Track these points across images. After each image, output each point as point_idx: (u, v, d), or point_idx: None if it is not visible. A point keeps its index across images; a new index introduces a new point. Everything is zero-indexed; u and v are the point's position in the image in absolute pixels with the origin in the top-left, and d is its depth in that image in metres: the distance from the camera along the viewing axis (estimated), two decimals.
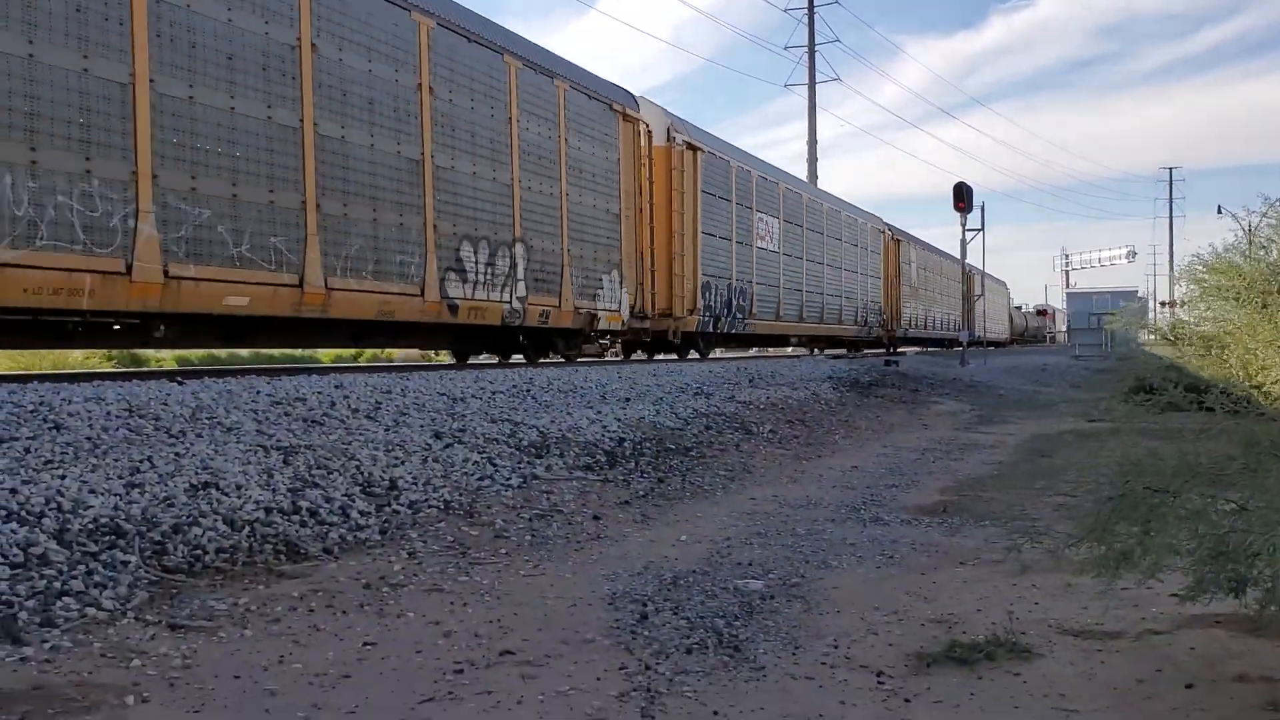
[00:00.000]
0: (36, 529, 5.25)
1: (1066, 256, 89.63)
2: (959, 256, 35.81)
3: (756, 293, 25.75)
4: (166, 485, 6.22)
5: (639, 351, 24.55)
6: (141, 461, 6.46)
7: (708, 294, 23.62)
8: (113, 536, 5.46)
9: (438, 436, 9.10)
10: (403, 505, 7.11)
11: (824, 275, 30.93)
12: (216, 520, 5.93)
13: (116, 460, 6.39)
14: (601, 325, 19.48)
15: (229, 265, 10.83)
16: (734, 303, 24.65)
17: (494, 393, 12.10)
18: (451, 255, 14.83)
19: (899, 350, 36.03)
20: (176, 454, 6.76)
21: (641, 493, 8.62)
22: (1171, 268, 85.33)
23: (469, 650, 4.32)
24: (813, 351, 33.09)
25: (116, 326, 10.20)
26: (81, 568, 5.00)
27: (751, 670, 4.11)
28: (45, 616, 4.44)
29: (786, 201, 28.35)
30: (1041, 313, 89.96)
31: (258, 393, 9.15)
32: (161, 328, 10.61)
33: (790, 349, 31.95)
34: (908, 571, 6.06)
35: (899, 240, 36.97)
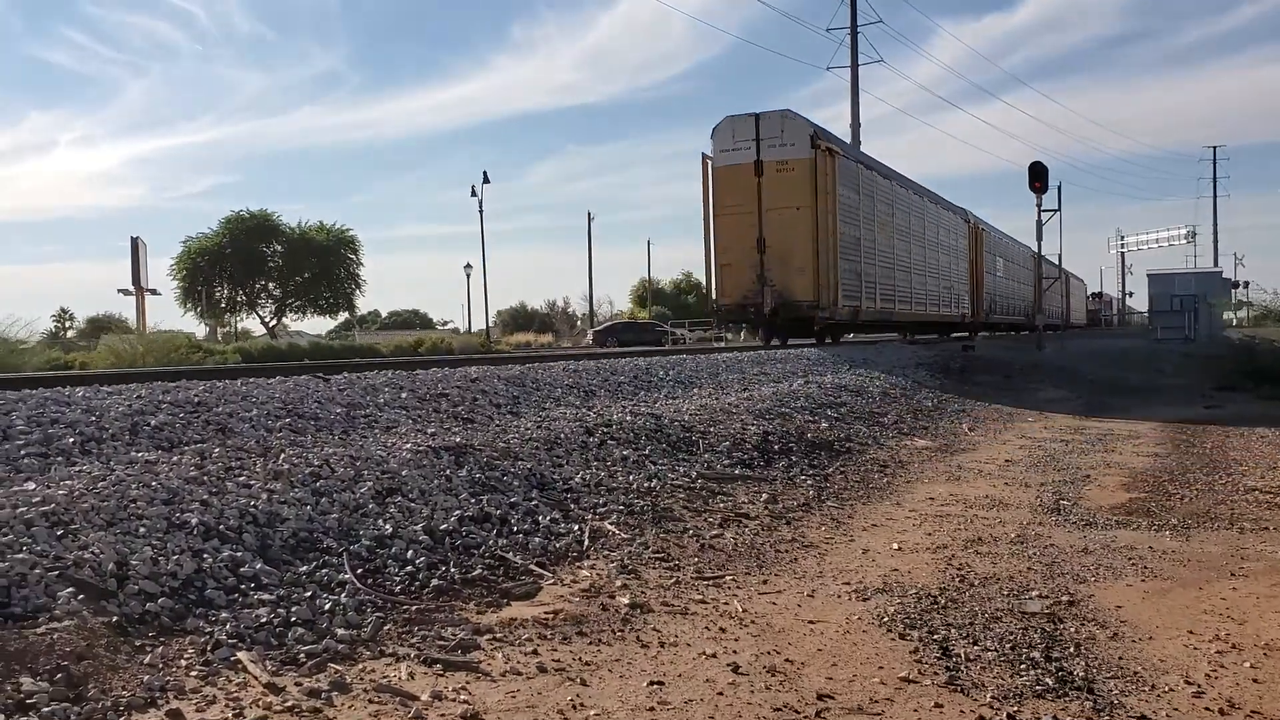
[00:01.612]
0: (239, 546, 4.74)
1: (1122, 238, 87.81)
2: (1032, 240, 34.80)
3: (880, 284, 25.89)
4: (353, 492, 5.70)
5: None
6: (320, 466, 5.93)
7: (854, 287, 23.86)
8: (317, 553, 4.94)
9: (589, 432, 8.55)
10: (584, 509, 6.57)
11: (928, 267, 30.60)
12: (416, 531, 5.40)
13: (293, 466, 5.86)
14: None
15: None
16: (867, 294, 24.79)
17: (619, 383, 11.54)
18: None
19: (974, 335, 35.47)
20: (351, 457, 6.23)
21: (813, 493, 8.03)
22: (1215, 248, 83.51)
23: (779, 692, 3.74)
24: (905, 336, 32.59)
25: None
26: (299, 591, 4.47)
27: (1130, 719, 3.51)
28: (286, 653, 3.90)
29: (898, 199, 27.94)
30: (1097, 296, 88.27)
31: (401, 390, 8.62)
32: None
33: (874, 336, 31.87)
34: (1180, 585, 5.43)
35: (980, 230, 37.04)
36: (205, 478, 5.34)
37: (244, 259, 57.31)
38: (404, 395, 8.49)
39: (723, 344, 45.40)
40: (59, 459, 5.41)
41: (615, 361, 13.04)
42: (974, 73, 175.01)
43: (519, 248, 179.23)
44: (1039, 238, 36.06)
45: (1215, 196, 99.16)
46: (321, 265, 58.47)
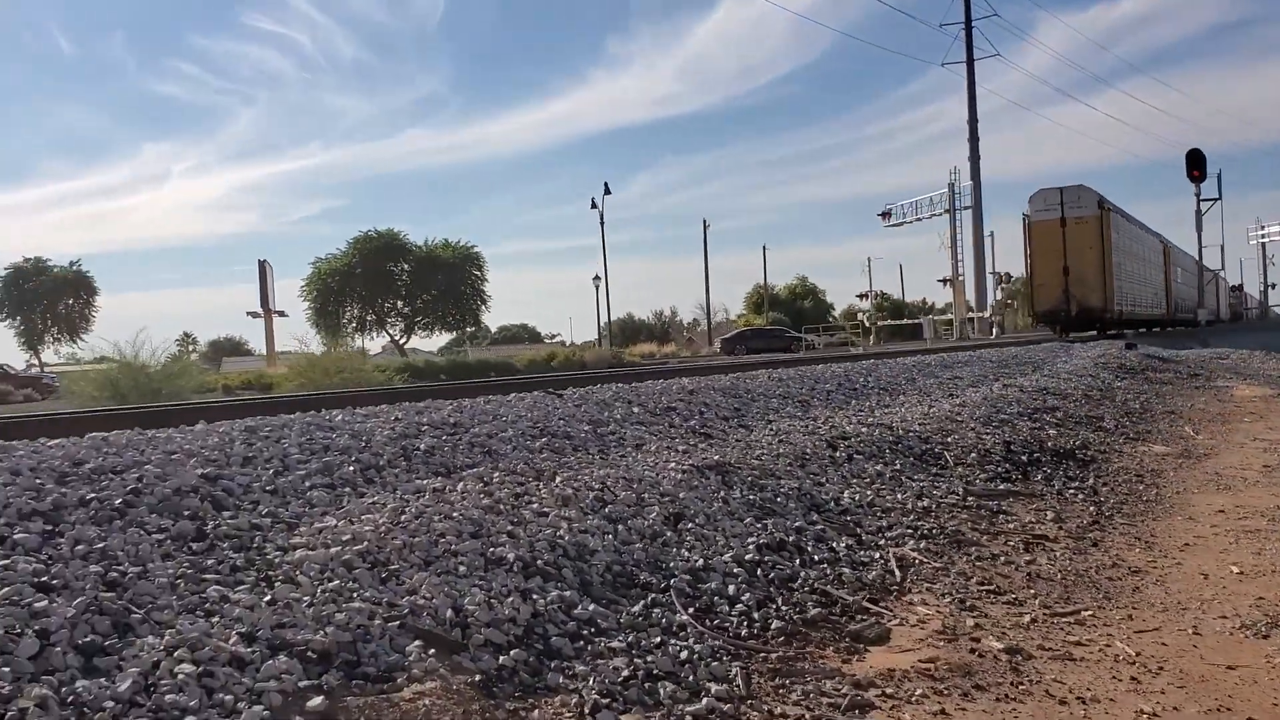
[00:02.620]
0: (563, 584, 4.25)
1: (1263, 227, 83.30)
2: (1184, 233, 33.21)
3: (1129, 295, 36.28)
4: (643, 518, 5.20)
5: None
6: (601, 490, 5.44)
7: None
8: (637, 589, 4.43)
9: (831, 446, 7.95)
10: (872, 534, 5.96)
11: (1147, 280, 40.19)
12: (726, 562, 4.87)
13: (575, 491, 5.39)
14: None
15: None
16: (1127, 301, 35.72)
17: (827, 390, 10.90)
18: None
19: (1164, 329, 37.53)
20: (624, 479, 5.74)
21: (1093, 509, 7.28)
22: None
23: None
24: (1061, 335, 31.88)
25: None
26: (643, 636, 3.96)
27: None
28: (668, 714, 3.39)
29: (1134, 234, 37.99)
30: (1237, 289, 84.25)
31: (631, 404, 8.15)
32: None
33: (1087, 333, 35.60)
34: None
35: (1168, 249, 44.37)
36: (500, 506, 4.89)
37: (373, 278, 58.15)
38: (635, 410, 8.01)
39: (858, 349, 44.35)
40: (345, 489, 5.01)
41: (814, 369, 12.43)
42: (1084, 63, 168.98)
43: (619, 260, 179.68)
44: (1199, 228, 34.32)
45: None
46: (448, 282, 58.98)
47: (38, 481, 4.30)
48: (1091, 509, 7.29)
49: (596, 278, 56.01)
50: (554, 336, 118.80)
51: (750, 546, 5.18)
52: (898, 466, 7.81)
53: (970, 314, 52.97)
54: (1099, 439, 10.89)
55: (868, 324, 57.55)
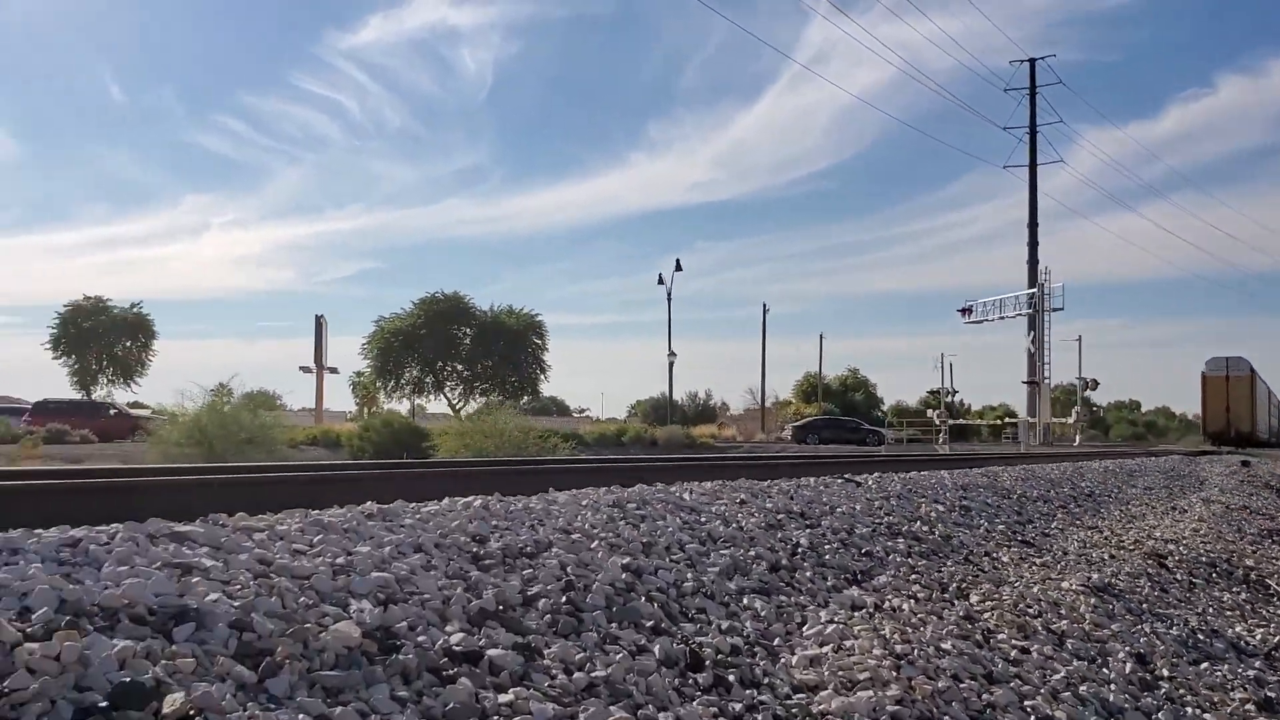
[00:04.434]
0: None
1: None
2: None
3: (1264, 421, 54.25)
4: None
5: None
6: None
7: None
8: None
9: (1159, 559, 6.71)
10: None
11: (1271, 410, 57.58)
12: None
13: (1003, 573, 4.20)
14: None
15: None
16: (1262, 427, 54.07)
17: (1072, 497, 9.67)
18: None
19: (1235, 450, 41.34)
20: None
21: None
22: None
23: None
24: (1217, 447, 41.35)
25: None
26: None
27: None
28: None
29: (1260, 386, 54.60)
30: None
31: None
32: None
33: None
34: None
35: (1270, 390, 57.23)
36: (974, 635, 3.70)
37: (437, 340, 57.46)
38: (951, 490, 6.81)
39: (943, 449, 42.87)
40: (779, 597, 3.84)
41: (1012, 471, 11.19)
42: (1130, 174, 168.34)
43: (647, 339, 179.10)
44: None
45: None
46: (509, 349, 58.20)
47: (452, 563, 3.18)
48: None
49: (672, 353, 54.70)
50: (583, 411, 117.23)
51: None
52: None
53: (1042, 419, 51.57)
54: None
55: (938, 422, 55.92)
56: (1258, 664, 4.91)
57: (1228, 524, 10.99)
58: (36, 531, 2.76)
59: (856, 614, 3.89)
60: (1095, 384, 55.56)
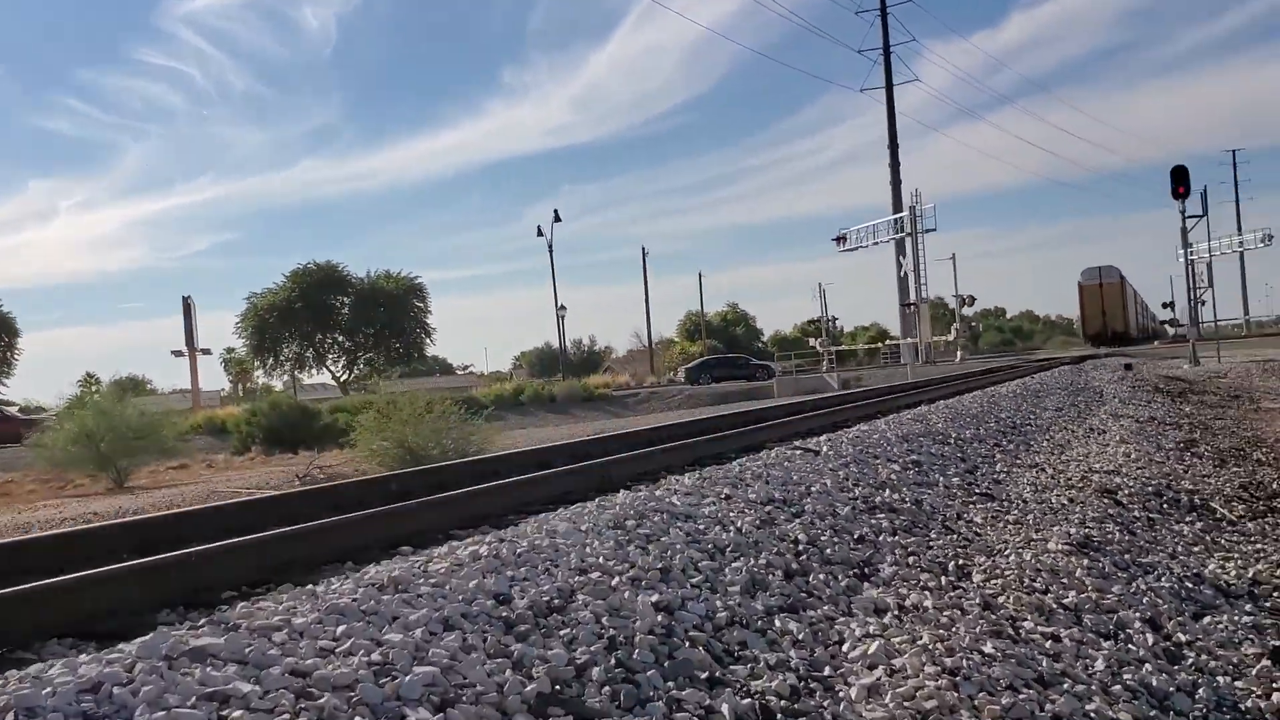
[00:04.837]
0: None
1: (1186, 244, 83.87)
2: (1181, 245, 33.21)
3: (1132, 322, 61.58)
4: None
5: None
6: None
7: None
8: None
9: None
10: None
11: (1137, 308, 64.51)
12: None
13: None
14: None
15: None
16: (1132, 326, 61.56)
17: (1001, 431, 9.79)
18: None
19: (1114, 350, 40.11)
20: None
21: None
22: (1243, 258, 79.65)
23: None
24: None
25: None
26: None
27: None
28: None
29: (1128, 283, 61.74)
30: (1167, 305, 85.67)
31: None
32: None
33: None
34: None
35: (1125, 281, 60.29)
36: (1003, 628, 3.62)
37: (314, 312, 55.93)
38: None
39: (834, 378, 43.67)
40: (808, 614, 3.68)
41: (937, 409, 11.32)
42: (980, 86, 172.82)
43: (522, 288, 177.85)
44: (1184, 244, 34.28)
45: (1238, 201, 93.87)
46: (390, 315, 57.02)
47: (488, 636, 2.93)
48: None
49: (562, 307, 54.26)
50: (466, 368, 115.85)
51: None
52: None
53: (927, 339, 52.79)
54: None
55: (821, 350, 56.91)
56: (1248, 607, 4.98)
57: (1147, 440, 11.32)
58: (44, 677, 2.39)
59: (886, 620, 3.77)
60: (972, 300, 57.06)
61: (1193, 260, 37.78)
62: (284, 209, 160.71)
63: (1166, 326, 68.81)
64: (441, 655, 2.78)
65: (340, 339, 58.62)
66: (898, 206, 57.50)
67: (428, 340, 60.38)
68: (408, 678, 2.61)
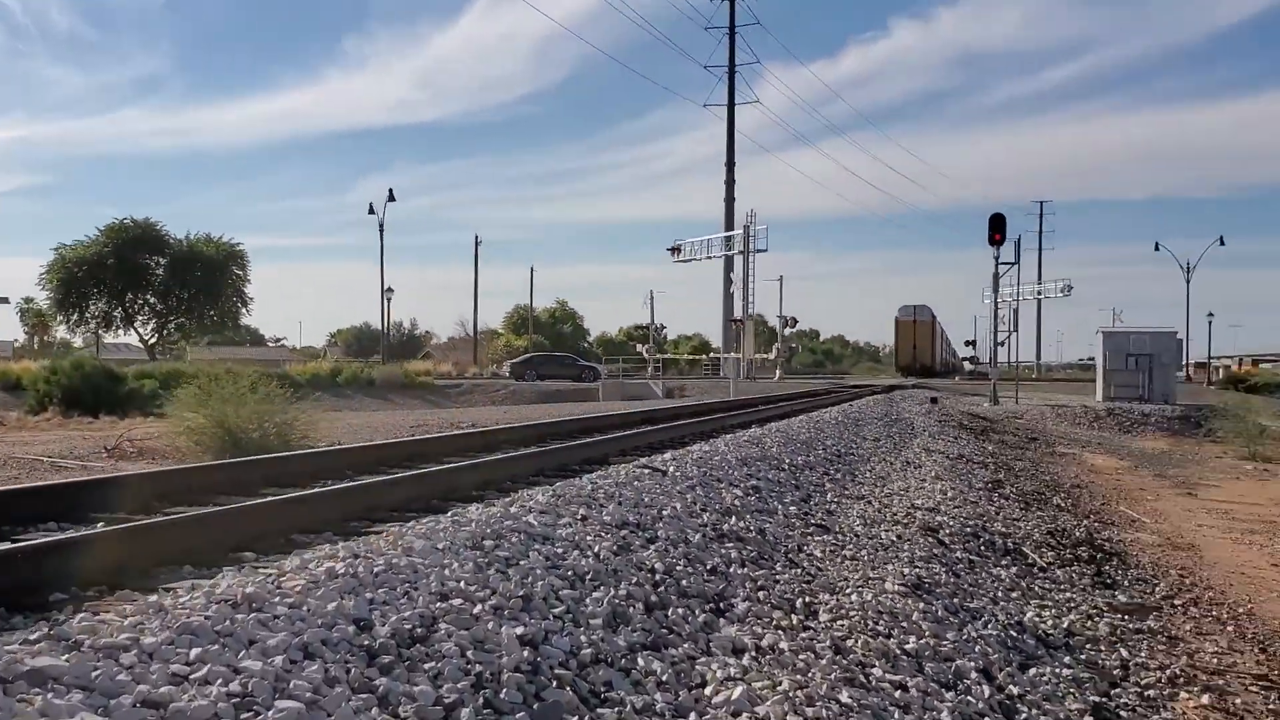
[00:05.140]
0: None
1: (997, 288, 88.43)
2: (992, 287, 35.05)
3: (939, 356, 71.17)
4: None
5: None
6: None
7: None
8: None
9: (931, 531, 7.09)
10: None
11: (943, 346, 72.42)
12: None
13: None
14: None
15: None
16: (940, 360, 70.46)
17: (829, 460, 10.07)
18: None
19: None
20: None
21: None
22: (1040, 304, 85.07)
23: None
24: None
25: None
26: None
27: None
28: None
29: (938, 326, 70.22)
30: (970, 343, 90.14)
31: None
32: None
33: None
34: None
35: (943, 329, 70.62)
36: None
37: (126, 270, 52.91)
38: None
39: (659, 385, 44.13)
40: (671, 651, 3.64)
41: (766, 430, 11.57)
42: (818, 111, 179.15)
43: (345, 263, 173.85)
44: (995, 288, 36.18)
45: (1040, 250, 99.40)
46: (207, 280, 54.49)
47: (350, 666, 2.76)
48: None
49: (389, 289, 52.91)
50: (279, 340, 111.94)
51: None
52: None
53: (755, 356, 54.00)
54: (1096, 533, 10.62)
55: (647, 356, 57.55)
56: (1067, 659, 5.25)
57: (959, 479, 11.86)
58: None
59: (746, 661, 3.78)
60: (794, 321, 58.77)
61: (1001, 304, 39.97)
62: (103, 157, 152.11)
63: (966, 363, 74.82)
64: (304, 688, 2.61)
65: (152, 301, 55.61)
66: (730, 224, 58.64)
67: (244, 310, 58.02)
68: (271, 712, 2.44)
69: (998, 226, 33.58)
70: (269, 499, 5.06)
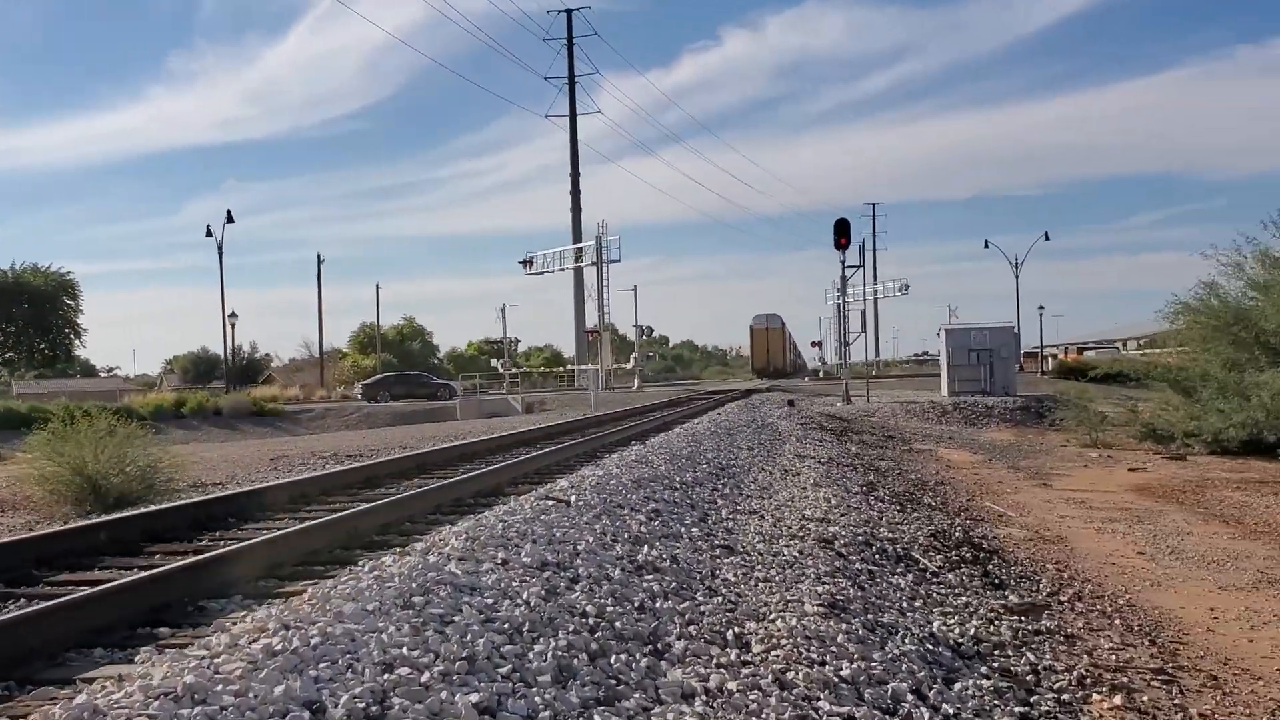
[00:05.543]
0: None
1: (839, 290, 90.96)
2: (839, 290, 35.95)
3: (791, 360, 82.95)
4: None
5: None
6: None
7: None
8: None
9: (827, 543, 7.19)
10: None
11: (790, 348, 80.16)
12: None
13: None
14: None
15: None
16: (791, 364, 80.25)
17: (718, 480, 10.10)
18: None
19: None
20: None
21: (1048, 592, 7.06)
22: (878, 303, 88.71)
23: None
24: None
25: None
26: None
27: None
28: None
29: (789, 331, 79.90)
30: (816, 344, 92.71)
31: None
32: None
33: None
34: None
35: (785, 326, 76.00)
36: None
37: None
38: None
39: (519, 402, 43.71)
40: (624, 704, 3.53)
41: (650, 446, 11.57)
42: (656, 120, 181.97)
43: (174, 286, 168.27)
44: (843, 291, 37.16)
45: (875, 250, 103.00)
46: (35, 313, 51.59)
47: None
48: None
49: (233, 315, 50.80)
50: (112, 370, 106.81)
51: None
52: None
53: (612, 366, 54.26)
54: (964, 528, 10.94)
55: (502, 371, 57.13)
56: (983, 669, 5.35)
57: (836, 484, 12.07)
58: None
59: (698, 707, 3.71)
60: (650, 330, 59.28)
61: (847, 305, 41.19)
62: None
63: (812, 362, 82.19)
64: None
65: None
66: (578, 235, 58.80)
67: (77, 341, 55.16)
68: None
69: (842, 231, 34.47)
70: (169, 566, 4.73)
